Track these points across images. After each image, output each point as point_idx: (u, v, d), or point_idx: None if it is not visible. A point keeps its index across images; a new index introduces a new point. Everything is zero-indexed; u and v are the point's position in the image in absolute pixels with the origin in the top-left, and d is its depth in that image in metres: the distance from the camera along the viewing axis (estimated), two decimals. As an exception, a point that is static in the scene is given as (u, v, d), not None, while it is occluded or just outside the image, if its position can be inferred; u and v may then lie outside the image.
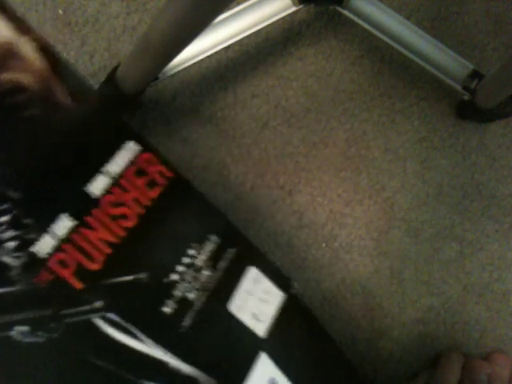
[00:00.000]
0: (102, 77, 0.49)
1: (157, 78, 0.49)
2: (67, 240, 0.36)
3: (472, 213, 0.57)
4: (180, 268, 0.38)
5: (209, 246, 0.40)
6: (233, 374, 0.37)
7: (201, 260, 0.39)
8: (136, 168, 0.40)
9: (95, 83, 0.52)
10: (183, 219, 0.41)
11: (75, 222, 0.36)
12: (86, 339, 0.35)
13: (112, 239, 0.37)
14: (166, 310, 0.37)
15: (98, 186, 0.38)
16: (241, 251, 0.41)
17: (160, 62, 0.42)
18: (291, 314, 0.41)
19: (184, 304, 0.37)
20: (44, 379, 0.34)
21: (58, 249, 0.35)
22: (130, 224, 0.38)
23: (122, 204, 0.38)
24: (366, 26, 0.53)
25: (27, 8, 0.53)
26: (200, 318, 0.37)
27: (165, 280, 0.37)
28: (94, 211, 0.37)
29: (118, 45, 0.54)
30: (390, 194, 0.56)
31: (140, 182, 0.40)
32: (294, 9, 0.52)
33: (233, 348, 0.38)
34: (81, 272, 0.35)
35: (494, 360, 0.53)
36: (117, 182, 0.39)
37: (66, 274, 0.35)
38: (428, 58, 0.53)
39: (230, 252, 0.41)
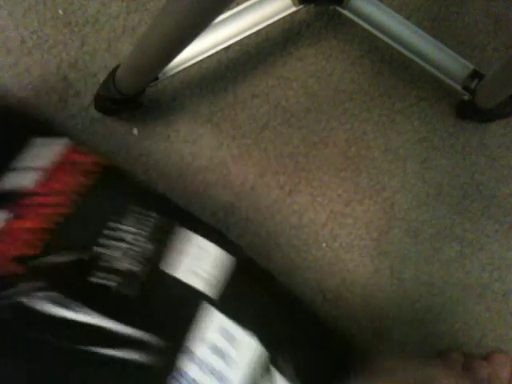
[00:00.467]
0: (102, 77, 0.49)
1: (157, 78, 0.49)
2: (3, 231, 0.38)
3: (472, 213, 0.57)
4: (119, 244, 0.40)
5: (147, 221, 0.42)
6: (179, 329, 0.39)
7: (140, 234, 0.41)
8: (67, 159, 0.43)
9: (95, 83, 0.52)
10: (116, 200, 0.43)
11: (10, 214, 0.39)
12: (29, 318, 0.36)
13: (47, 226, 0.39)
14: (107, 282, 0.38)
15: (28, 178, 0.41)
16: (182, 222, 0.43)
17: (160, 62, 0.42)
18: (243, 275, 0.43)
19: (126, 275, 0.39)
20: None
21: None
22: (63, 210, 0.40)
23: (54, 193, 0.41)
24: (366, 26, 0.53)
25: (27, 8, 0.53)
26: (144, 286, 0.39)
27: (102, 256, 0.39)
28: (26, 201, 0.40)
29: (118, 45, 0.54)
30: (390, 194, 0.57)
31: (71, 171, 0.42)
32: (293, 9, 0.52)
33: (180, 308, 0.40)
34: (19, 258, 0.38)
35: (494, 360, 0.53)
36: (48, 174, 0.41)
37: (5, 260, 0.37)
38: (428, 58, 0.53)
39: (171, 224, 0.43)
